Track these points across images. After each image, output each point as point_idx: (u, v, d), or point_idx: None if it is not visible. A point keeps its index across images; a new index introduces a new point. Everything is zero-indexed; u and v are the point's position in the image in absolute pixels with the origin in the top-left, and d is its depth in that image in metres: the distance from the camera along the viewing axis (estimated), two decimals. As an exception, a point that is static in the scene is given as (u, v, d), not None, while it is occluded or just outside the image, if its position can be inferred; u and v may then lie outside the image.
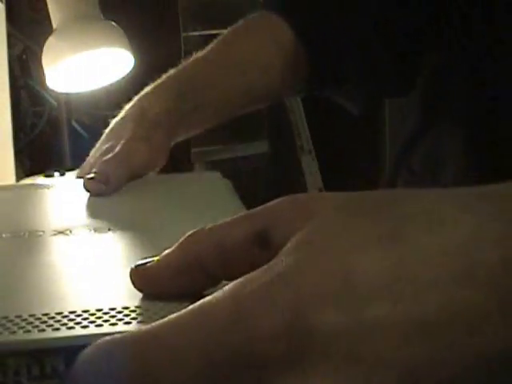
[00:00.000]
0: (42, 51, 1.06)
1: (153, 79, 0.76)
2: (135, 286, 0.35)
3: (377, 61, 0.76)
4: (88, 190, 0.61)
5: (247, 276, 0.29)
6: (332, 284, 0.28)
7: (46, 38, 1.06)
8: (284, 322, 0.27)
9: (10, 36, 1.20)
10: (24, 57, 1.51)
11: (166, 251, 0.34)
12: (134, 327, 0.31)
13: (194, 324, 0.28)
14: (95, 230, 0.49)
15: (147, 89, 0.74)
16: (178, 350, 0.28)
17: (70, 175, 1.24)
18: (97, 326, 0.32)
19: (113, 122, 0.75)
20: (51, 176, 1.22)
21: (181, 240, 0.34)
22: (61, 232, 0.49)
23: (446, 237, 0.28)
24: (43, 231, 0.49)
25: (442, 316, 0.27)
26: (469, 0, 0.68)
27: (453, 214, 0.29)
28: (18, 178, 1.19)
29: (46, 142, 1.61)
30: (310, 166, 2.13)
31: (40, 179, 1.21)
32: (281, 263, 0.29)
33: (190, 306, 0.29)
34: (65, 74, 1.08)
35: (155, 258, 0.34)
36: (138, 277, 0.35)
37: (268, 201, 0.35)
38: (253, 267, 0.30)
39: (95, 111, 1.68)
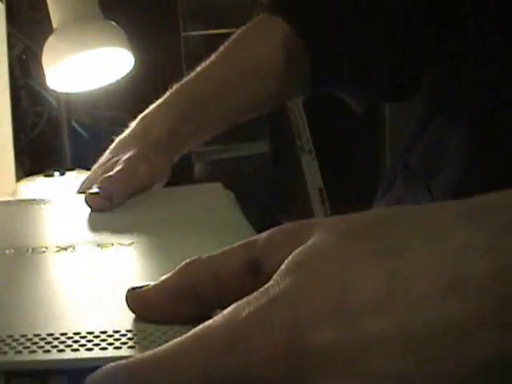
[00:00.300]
0: (42, 51, 1.06)
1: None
2: (130, 309, 0.36)
3: (376, 68, 0.76)
4: (90, 206, 0.61)
5: (244, 300, 0.30)
6: (327, 302, 0.28)
7: (45, 38, 1.06)
8: (282, 341, 0.28)
9: (9, 36, 1.20)
10: (24, 57, 1.50)
11: (163, 277, 0.35)
12: (138, 351, 0.31)
13: (195, 348, 0.29)
14: (98, 246, 0.49)
15: (152, 107, 0.75)
16: (180, 372, 0.29)
17: (70, 175, 1.24)
18: (101, 349, 0.32)
19: (117, 139, 0.76)
20: (51, 176, 1.22)
21: (178, 267, 0.35)
22: (64, 248, 0.48)
23: (437, 252, 0.29)
24: (46, 247, 0.48)
25: (434, 328, 0.27)
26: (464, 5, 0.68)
27: (444, 230, 0.29)
28: (18, 177, 1.19)
29: (46, 141, 1.61)
30: (310, 166, 2.13)
31: (40, 179, 1.21)
32: (276, 285, 0.30)
33: (191, 331, 0.30)
34: (65, 74, 1.08)
35: (152, 283, 0.35)
36: (134, 300, 0.36)
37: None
38: (246, 295, 0.30)
39: (95, 111, 1.68)
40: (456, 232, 0.29)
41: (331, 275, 0.29)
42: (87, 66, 1.09)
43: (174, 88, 0.75)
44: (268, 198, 2.32)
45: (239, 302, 0.30)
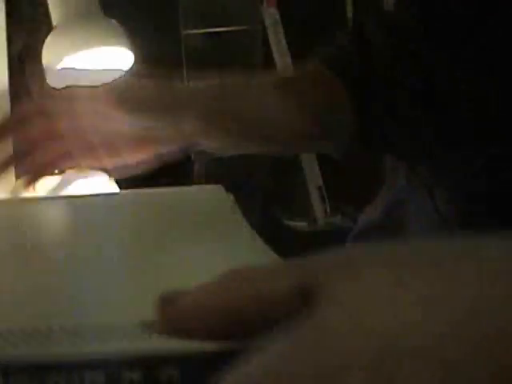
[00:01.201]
0: (42, 49, 1.06)
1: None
2: (158, 316, 0.32)
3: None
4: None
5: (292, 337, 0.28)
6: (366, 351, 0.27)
7: (46, 36, 1.06)
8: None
9: (9, 33, 1.20)
10: (24, 54, 1.50)
11: (200, 286, 0.32)
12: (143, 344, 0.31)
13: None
14: (97, 244, 0.49)
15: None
16: None
17: (70, 174, 1.23)
18: (101, 342, 0.32)
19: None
20: (51, 174, 1.22)
21: (220, 280, 0.32)
22: (69, 246, 0.49)
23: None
24: (51, 244, 0.49)
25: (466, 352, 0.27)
26: None
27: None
28: (18, 176, 1.19)
29: (46, 139, 1.61)
30: (310, 166, 2.13)
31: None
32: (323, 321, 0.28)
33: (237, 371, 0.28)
34: (64, 72, 1.08)
35: (186, 291, 0.32)
36: (166, 307, 0.32)
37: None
38: (288, 318, 0.29)
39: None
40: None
41: (375, 317, 0.28)
42: (87, 64, 1.09)
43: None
44: (268, 197, 2.31)
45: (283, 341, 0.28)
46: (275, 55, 1.99)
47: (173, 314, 0.32)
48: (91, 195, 0.71)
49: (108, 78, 1.13)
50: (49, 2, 1.06)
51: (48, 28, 1.07)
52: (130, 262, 0.47)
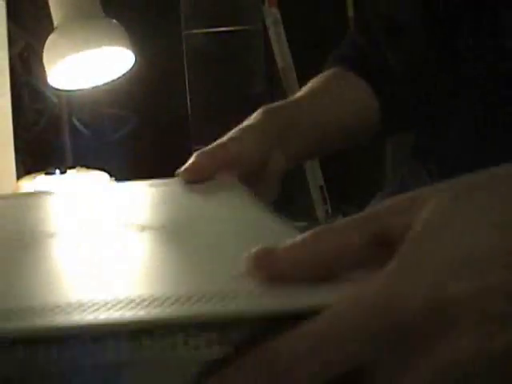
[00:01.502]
0: (43, 49, 1.06)
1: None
2: (254, 266, 0.37)
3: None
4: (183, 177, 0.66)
5: (388, 269, 0.35)
6: (458, 260, 0.34)
7: (47, 36, 1.06)
8: (426, 298, 0.34)
9: (11, 33, 1.20)
10: (25, 54, 1.50)
11: (289, 242, 0.38)
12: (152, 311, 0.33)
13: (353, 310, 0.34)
14: (127, 229, 0.50)
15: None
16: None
17: (71, 173, 1.24)
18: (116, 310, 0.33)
19: None
20: (52, 174, 1.22)
21: (305, 235, 0.38)
22: (96, 231, 0.50)
23: None
24: (75, 231, 0.51)
25: None
26: None
27: None
28: (19, 175, 1.19)
29: (47, 139, 1.61)
30: (312, 166, 2.13)
31: (40, 177, 1.21)
32: (410, 253, 0.35)
33: (350, 293, 0.35)
34: (66, 72, 1.08)
35: (278, 245, 0.38)
36: (261, 257, 0.38)
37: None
38: (370, 264, 0.36)
39: (96, 109, 1.68)
40: None
41: (456, 239, 0.35)
42: (88, 63, 1.09)
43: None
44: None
45: (386, 271, 0.35)
46: (276, 55, 1.99)
47: (270, 261, 0.37)
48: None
49: (109, 78, 1.13)
50: (50, 3, 1.06)
51: (49, 28, 1.07)
52: (158, 242, 0.48)
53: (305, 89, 0.81)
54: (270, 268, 0.37)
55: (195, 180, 0.65)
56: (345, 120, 0.81)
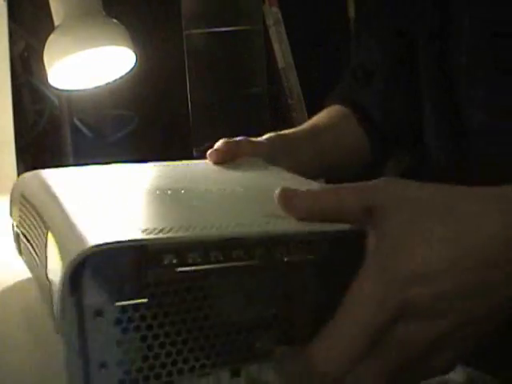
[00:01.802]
0: (43, 48, 1.06)
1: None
2: (281, 203, 0.49)
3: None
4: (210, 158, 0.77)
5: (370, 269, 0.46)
6: (419, 269, 0.45)
7: (47, 36, 1.06)
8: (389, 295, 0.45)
9: (11, 33, 1.20)
10: (26, 54, 1.50)
11: (312, 189, 0.50)
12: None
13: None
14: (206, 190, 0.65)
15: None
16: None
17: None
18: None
19: None
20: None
21: (323, 189, 0.50)
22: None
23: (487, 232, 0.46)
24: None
25: (477, 281, 0.46)
26: None
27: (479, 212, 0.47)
28: (20, 175, 1.19)
29: (48, 139, 1.61)
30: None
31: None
32: (381, 262, 0.46)
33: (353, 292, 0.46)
34: (67, 72, 1.08)
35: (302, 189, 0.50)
36: (287, 196, 0.50)
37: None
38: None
39: (97, 109, 1.68)
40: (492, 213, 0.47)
41: (415, 254, 0.45)
42: (89, 63, 1.09)
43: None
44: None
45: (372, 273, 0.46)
46: (277, 55, 1.99)
47: (288, 196, 0.50)
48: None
49: (110, 78, 1.13)
50: (50, 2, 1.06)
51: (49, 28, 1.07)
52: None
53: (307, 123, 0.96)
54: (291, 202, 0.49)
55: (224, 160, 0.75)
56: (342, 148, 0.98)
